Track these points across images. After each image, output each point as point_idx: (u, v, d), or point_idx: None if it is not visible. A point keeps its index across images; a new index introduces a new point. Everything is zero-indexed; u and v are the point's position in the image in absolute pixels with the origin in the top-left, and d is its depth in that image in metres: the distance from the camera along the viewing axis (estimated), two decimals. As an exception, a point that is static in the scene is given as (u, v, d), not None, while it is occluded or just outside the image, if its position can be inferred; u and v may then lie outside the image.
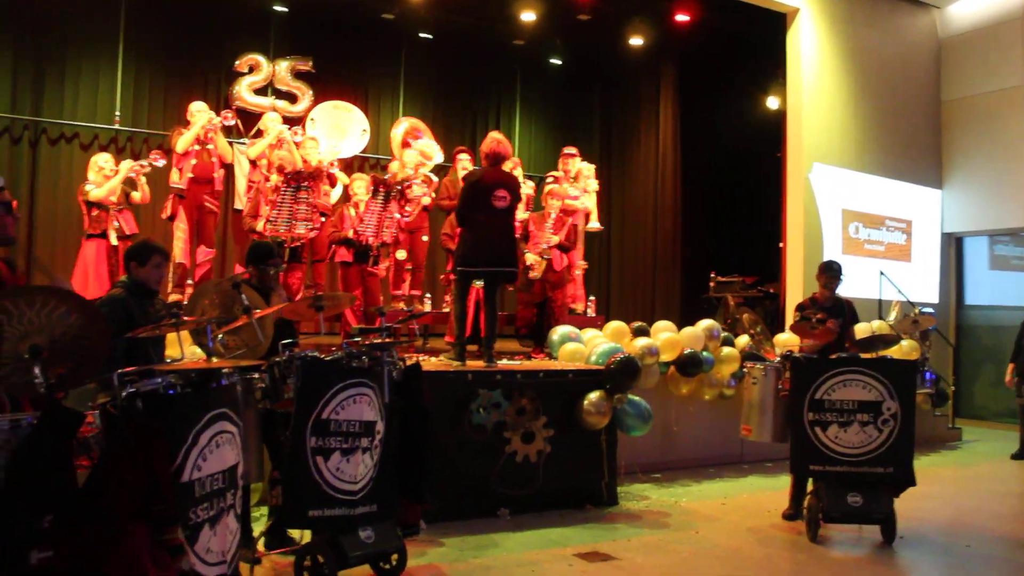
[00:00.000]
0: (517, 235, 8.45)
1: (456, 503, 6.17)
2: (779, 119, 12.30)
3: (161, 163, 8.59)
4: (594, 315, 10.04)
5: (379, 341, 4.96)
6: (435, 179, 9.73)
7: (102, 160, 8.30)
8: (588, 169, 10.19)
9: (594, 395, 6.80)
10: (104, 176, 8.14)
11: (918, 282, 12.47)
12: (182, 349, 3.85)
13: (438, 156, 10.14)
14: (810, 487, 6.27)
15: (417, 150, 9.79)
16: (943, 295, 13.10)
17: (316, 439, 4.51)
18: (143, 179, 8.46)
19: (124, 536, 2.74)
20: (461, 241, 7.09)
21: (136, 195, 8.39)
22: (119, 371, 3.03)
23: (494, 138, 7.13)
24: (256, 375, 4.50)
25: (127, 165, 8.34)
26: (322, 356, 4.66)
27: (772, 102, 13.00)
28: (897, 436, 5.99)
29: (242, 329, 4.59)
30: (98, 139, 10.74)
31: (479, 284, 7.48)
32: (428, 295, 9.88)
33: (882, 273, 10.84)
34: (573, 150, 10.27)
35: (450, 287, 8.14)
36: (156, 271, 4.71)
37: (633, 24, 12.42)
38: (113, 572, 2.70)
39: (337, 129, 11.58)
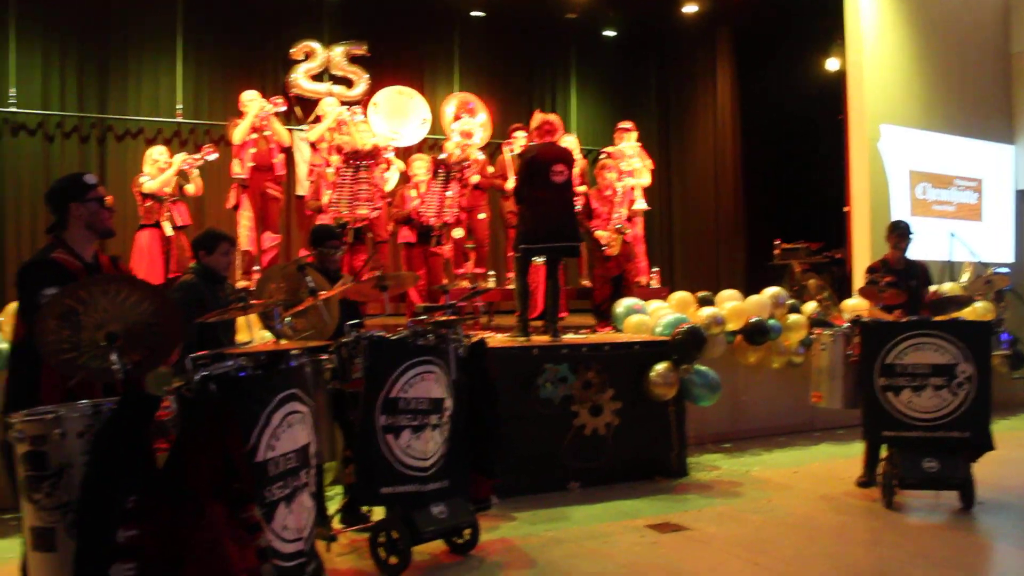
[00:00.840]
0: (578, 209, 8.44)
1: (526, 477, 6.20)
2: (840, 80, 12.01)
3: (213, 157, 8.70)
4: (658, 287, 9.98)
5: (444, 319, 5.00)
6: (481, 156, 9.71)
7: (156, 152, 8.44)
8: (629, 148, 10.06)
9: (661, 366, 6.77)
10: (159, 168, 8.28)
11: (991, 242, 12.12)
12: (251, 333, 3.93)
13: (478, 133, 10.11)
14: (884, 453, 6.17)
15: (458, 131, 9.77)
16: (1018, 254, 12.71)
17: (386, 417, 4.57)
18: (196, 172, 8.59)
19: (204, 515, 2.82)
20: (521, 219, 7.10)
21: (190, 188, 8.53)
22: (191, 355, 3.11)
23: (542, 115, 7.16)
24: (325, 356, 4.57)
25: (180, 158, 8.47)
26: (388, 335, 4.72)
27: (832, 63, 12.69)
28: (973, 400, 5.86)
29: (308, 311, 4.67)
30: (162, 133, 10.96)
31: (539, 260, 7.49)
32: (492, 272, 9.91)
33: (952, 234, 10.56)
34: (628, 124, 10.18)
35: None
36: (224, 258, 4.88)
37: (687, -9, 12.27)
38: (195, 549, 2.79)
39: (398, 114, 11.61)
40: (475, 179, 9.33)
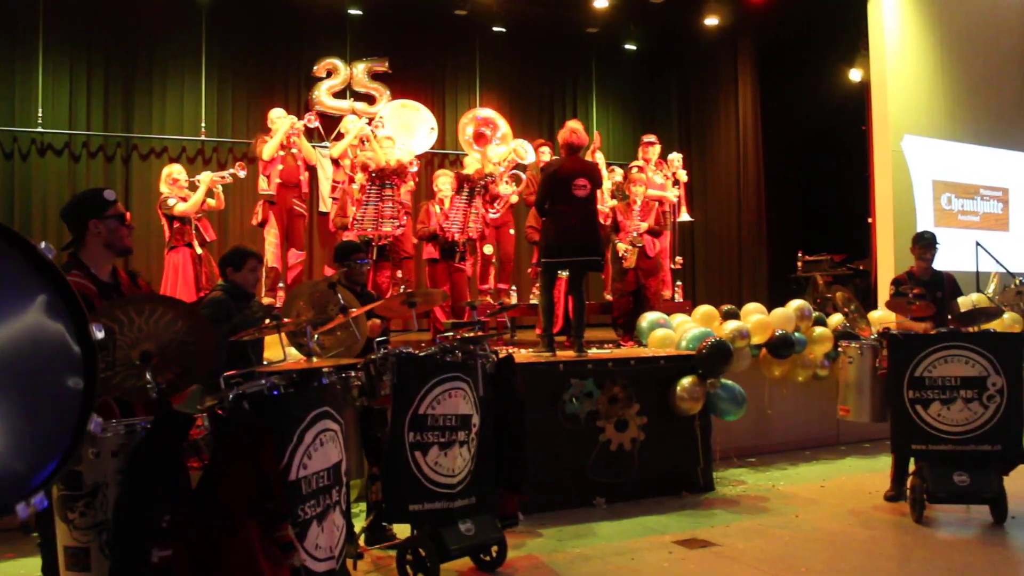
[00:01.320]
0: (606, 223, 8.44)
1: (552, 493, 6.18)
2: (863, 91, 11.99)
3: (243, 174, 8.73)
4: (681, 300, 9.96)
5: (471, 335, 5.00)
6: (523, 176, 9.76)
7: (176, 171, 8.35)
8: (676, 159, 10.17)
9: (687, 381, 6.74)
10: (180, 187, 8.26)
11: (1017, 252, 12.02)
12: (284, 351, 3.94)
13: (531, 156, 10.15)
14: (912, 467, 6.11)
15: (511, 148, 9.83)
16: (1045, 264, 12.62)
17: (414, 434, 4.57)
18: (219, 187, 8.61)
19: (238, 534, 2.83)
20: (544, 233, 7.09)
21: (212, 202, 8.48)
22: (225, 374, 3.13)
23: (570, 127, 7.14)
24: (353, 373, 4.58)
25: (207, 177, 8.37)
26: (417, 352, 4.72)
27: (855, 74, 12.66)
28: (1004, 412, 5.80)
29: (337, 328, 4.69)
30: (186, 151, 11.07)
31: (564, 274, 7.50)
32: (514, 287, 9.92)
33: (978, 244, 10.49)
34: (652, 138, 10.21)
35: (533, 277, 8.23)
36: (252, 274, 4.90)
37: (708, 4, 12.27)
38: (229, 569, 2.79)
39: (405, 128, 11.61)
40: (514, 199, 9.42)
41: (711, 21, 12.48)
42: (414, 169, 9.23)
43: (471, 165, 9.61)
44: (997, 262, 10.22)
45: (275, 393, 3.23)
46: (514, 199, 9.47)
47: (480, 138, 10.45)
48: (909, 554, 5.34)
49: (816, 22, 12.44)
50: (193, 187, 8.33)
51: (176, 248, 8.16)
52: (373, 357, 4.61)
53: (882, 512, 6.22)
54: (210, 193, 8.43)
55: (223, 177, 8.54)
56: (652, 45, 13.76)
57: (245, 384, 3.14)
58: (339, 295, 4.47)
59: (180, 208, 8.12)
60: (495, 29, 12.60)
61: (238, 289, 4.88)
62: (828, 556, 5.21)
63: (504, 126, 10.87)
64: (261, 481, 2.96)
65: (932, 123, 11.46)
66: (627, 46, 13.67)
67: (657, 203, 9.09)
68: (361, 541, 5.10)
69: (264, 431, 3.00)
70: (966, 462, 5.79)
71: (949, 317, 6.52)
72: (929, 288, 6.50)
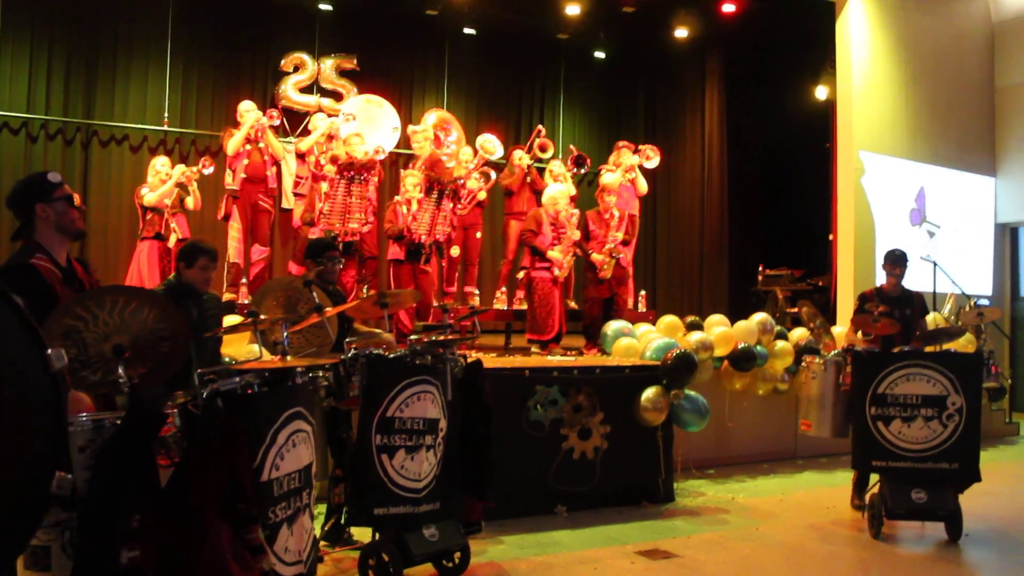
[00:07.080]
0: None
1: (514, 501, 6.12)
2: (828, 109, 12.13)
3: (209, 170, 8.78)
4: (645, 310, 9.97)
5: (441, 338, 4.94)
6: (493, 175, 9.71)
7: (159, 163, 8.49)
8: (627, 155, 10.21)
9: (651, 391, 6.73)
10: (160, 180, 8.33)
11: (971, 273, 12.24)
12: (261, 350, 3.84)
13: (499, 151, 10.10)
14: (873, 483, 6.18)
15: (479, 145, 9.77)
16: (997, 287, 12.86)
17: (381, 437, 4.50)
18: (195, 185, 8.60)
19: (209, 535, 2.74)
20: None
21: (189, 201, 8.56)
22: (199, 371, 3.04)
23: None
24: (321, 373, 4.50)
25: (179, 170, 8.52)
26: (387, 354, 4.65)
27: (821, 92, 12.80)
28: (963, 431, 5.88)
29: (306, 328, 4.60)
30: (147, 141, 10.84)
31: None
32: (477, 291, 9.87)
33: (936, 264, 10.64)
34: (624, 143, 10.24)
35: (522, 283, 8.70)
36: (202, 273, 4.76)
37: (678, 15, 12.34)
38: (198, 571, 2.71)
39: (369, 123, 11.47)
40: (481, 196, 9.38)
41: (680, 33, 12.55)
42: (381, 157, 9.07)
43: (422, 150, 9.43)
44: (954, 283, 10.38)
45: (249, 392, 3.14)
46: (481, 195, 9.40)
47: (436, 141, 10.37)
48: (868, 569, 5.39)
49: (784, 39, 12.55)
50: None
51: (145, 239, 8.17)
52: (343, 357, 4.53)
53: (841, 527, 6.27)
54: (186, 190, 8.46)
55: (193, 172, 8.54)
56: (621, 54, 13.78)
57: (219, 381, 3.04)
58: (314, 294, 4.38)
59: (148, 198, 8.26)
60: (465, 31, 12.55)
61: (185, 287, 4.73)
62: (789, 570, 5.24)
63: (457, 131, 10.78)
64: (233, 481, 2.87)
65: (894, 143, 11.62)
66: (596, 54, 13.68)
67: (627, 211, 9.07)
68: (321, 544, 5.02)
69: (237, 430, 2.92)
70: (924, 479, 5.86)
71: (917, 334, 6.60)
72: (898, 305, 6.56)
